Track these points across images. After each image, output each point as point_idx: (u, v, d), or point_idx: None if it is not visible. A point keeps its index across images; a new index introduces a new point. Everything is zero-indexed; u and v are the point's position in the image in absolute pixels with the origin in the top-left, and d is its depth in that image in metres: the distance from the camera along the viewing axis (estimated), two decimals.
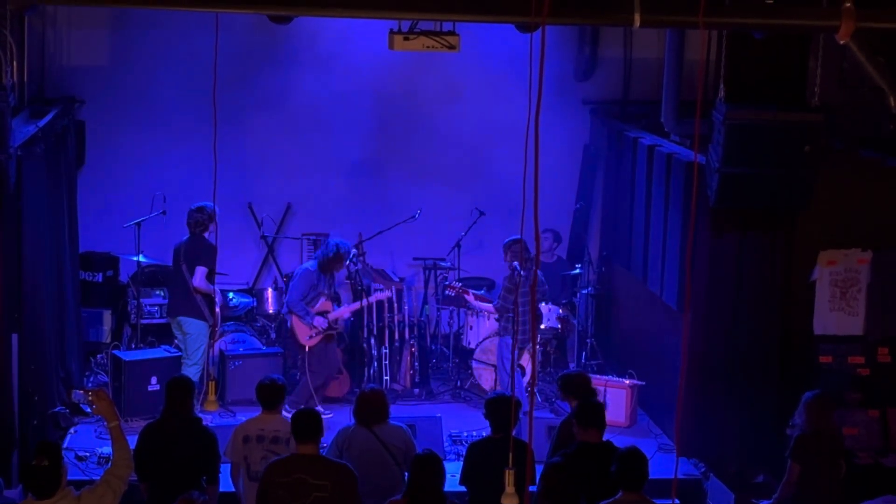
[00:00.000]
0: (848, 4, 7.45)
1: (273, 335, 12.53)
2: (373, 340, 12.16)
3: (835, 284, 10.43)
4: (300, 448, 7.45)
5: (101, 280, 12.67)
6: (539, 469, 7.50)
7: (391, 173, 13.35)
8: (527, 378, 11.70)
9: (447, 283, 12.65)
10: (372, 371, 12.09)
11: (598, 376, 11.29)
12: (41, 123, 10.26)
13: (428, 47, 8.66)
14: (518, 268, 11.09)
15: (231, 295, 12.38)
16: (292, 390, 11.03)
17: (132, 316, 12.15)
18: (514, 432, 7.73)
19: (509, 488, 5.27)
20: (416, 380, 12.27)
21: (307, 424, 7.47)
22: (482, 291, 12.67)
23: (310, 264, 11.48)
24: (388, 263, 13.12)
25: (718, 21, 7.85)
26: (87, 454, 10.08)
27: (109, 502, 6.54)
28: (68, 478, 6.55)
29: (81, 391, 10.60)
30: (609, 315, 13.04)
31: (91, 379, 12.06)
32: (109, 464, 6.77)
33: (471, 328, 12.32)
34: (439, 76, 12.80)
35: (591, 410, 7.88)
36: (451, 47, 8.66)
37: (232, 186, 12.46)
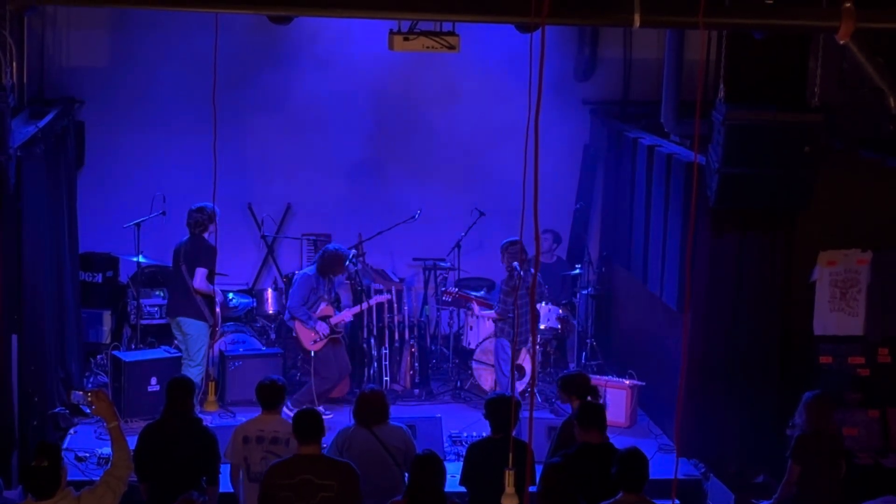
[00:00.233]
0: (848, 4, 7.44)
1: (273, 336, 12.53)
2: (373, 341, 12.16)
3: (835, 285, 10.43)
4: (302, 448, 7.44)
5: (100, 281, 12.66)
6: (539, 469, 7.50)
7: (391, 173, 13.35)
8: (526, 379, 11.71)
9: (444, 287, 12.66)
10: (372, 371, 12.09)
11: (598, 377, 11.29)
12: (41, 124, 10.26)
13: (428, 48, 8.66)
14: (518, 268, 11.10)
15: (231, 295, 12.38)
16: (292, 391, 11.03)
17: (132, 316, 12.14)
18: (514, 433, 7.73)
19: (509, 489, 5.27)
20: (416, 380, 12.26)
21: (309, 425, 7.47)
22: (482, 292, 12.66)
23: (309, 269, 11.50)
24: (388, 264, 13.12)
25: (718, 21, 7.85)
26: (87, 455, 10.08)
27: (109, 503, 6.53)
28: (68, 478, 6.54)
29: (81, 392, 10.57)
30: (609, 315, 13.04)
31: (91, 380, 12.06)
32: (109, 464, 6.76)
33: (471, 328, 12.32)
34: (439, 76, 12.80)
35: (592, 411, 7.88)
36: (451, 47, 8.66)
37: (232, 187, 12.45)
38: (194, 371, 10.86)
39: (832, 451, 8.46)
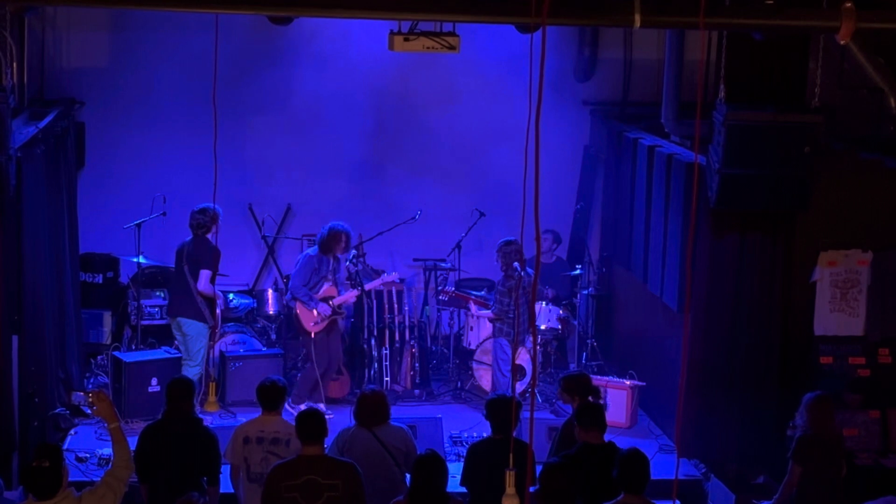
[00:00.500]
0: (848, 4, 7.45)
1: (273, 336, 12.53)
2: (373, 341, 12.15)
3: (835, 285, 10.43)
4: (306, 449, 7.43)
5: (101, 281, 12.66)
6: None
7: (391, 174, 13.35)
8: (527, 379, 11.71)
9: (440, 287, 12.65)
10: (372, 372, 12.08)
11: (598, 377, 11.29)
12: (41, 125, 10.27)
13: (428, 48, 8.67)
14: (518, 268, 11.11)
15: (231, 296, 12.38)
16: (292, 391, 11.03)
17: (132, 317, 12.14)
18: (514, 433, 7.72)
19: (510, 489, 5.26)
20: (417, 381, 12.26)
21: (312, 425, 7.46)
22: (482, 292, 12.67)
23: (311, 250, 11.49)
24: (388, 264, 13.12)
25: (718, 21, 7.85)
26: (88, 456, 10.08)
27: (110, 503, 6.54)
28: (69, 479, 6.54)
29: (82, 393, 10.50)
30: (609, 316, 13.04)
31: (91, 380, 12.06)
32: (110, 465, 6.77)
33: (471, 329, 12.32)
34: (439, 77, 12.81)
35: (593, 411, 7.89)
36: (451, 48, 8.67)
37: (232, 187, 12.47)
38: (193, 371, 10.86)
39: (833, 452, 8.45)
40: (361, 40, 12.19)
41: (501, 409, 7.95)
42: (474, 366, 12.09)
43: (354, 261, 11.90)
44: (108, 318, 12.54)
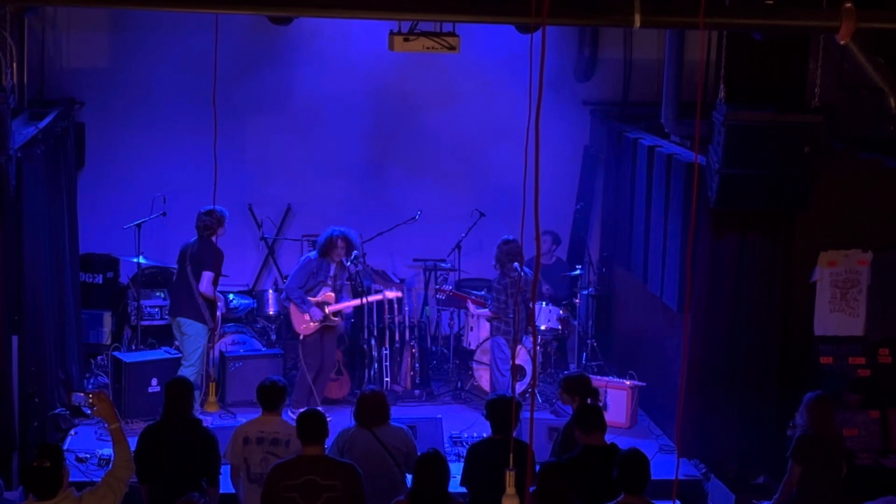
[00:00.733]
0: (848, 4, 7.45)
1: (273, 336, 12.53)
2: (373, 342, 12.15)
3: (835, 285, 10.43)
4: (306, 449, 7.43)
5: (101, 282, 12.66)
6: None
7: (391, 174, 13.35)
8: (527, 380, 11.70)
9: (437, 286, 12.65)
10: (372, 372, 12.08)
11: (598, 377, 11.28)
12: (41, 125, 10.27)
13: (428, 48, 8.67)
14: (519, 268, 11.11)
15: (231, 296, 12.38)
16: (292, 391, 11.03)
17: (132, 317, 12.14)
18: (514, 433, 7.72)
19: (510, 489, 5.26)
20: (417, 381, 12.26)
21: (313, 425, 7.46)
22: (482, 293, 12.67)
23: (311, 253, 11.48)
24: (388, 265, 13.12)
25: (718, 21, 7.85)
26: (88, 456, 10.08)
27: None
28: (69, 479, 6.54)
29: (82, 393, 10.54)
30: (609, 316, 13.04)
31: (91, 381, 12.06)
32: (110, 465, 6.77)
33: (471, 329, 12.32)
34: (439, 77, 12.81)
35: (592, 414, 7.88)
36: (451, 48, 8.67)
37: (232, 188, 12.45)
38: (188, 371, 10.86)
39: (833, 452, 8.45)
40: (361, 40, 12.19)
41: (501, 410, 7.95)
42: (474, 366, 12.09)
43: (355, 261, 11.90)
44: (108, 318, 12.54)
